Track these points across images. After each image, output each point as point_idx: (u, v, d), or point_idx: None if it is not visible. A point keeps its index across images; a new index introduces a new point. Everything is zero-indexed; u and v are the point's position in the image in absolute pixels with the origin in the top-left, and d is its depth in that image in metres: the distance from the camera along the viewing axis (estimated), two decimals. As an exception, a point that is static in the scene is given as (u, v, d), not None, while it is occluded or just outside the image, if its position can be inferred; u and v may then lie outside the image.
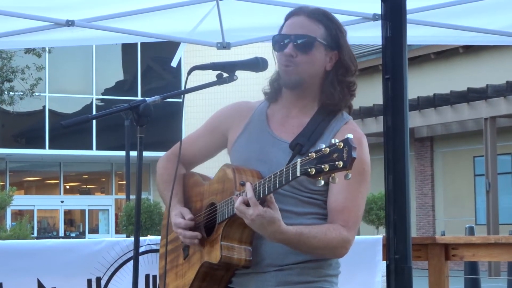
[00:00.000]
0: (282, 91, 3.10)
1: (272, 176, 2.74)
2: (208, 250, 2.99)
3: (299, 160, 2.64)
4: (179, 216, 3.11)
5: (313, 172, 2.58)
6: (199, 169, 3.32)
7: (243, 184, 2.90)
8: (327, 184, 2.89)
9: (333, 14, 3.13)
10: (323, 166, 2.56)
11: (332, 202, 2.95)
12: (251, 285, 3.00)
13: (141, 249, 4.38)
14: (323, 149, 2.57)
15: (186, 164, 3.29)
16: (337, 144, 2.55)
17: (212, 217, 3.04)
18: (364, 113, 24.81)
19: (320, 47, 3.02)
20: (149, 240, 4.46)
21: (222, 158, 3.21)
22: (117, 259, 4.39)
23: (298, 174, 2.62)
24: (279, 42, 3.04)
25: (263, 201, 2.79)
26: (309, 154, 2.60)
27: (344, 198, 2.93)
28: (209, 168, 3.31)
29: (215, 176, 3.10)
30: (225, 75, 3.03)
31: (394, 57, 3.72)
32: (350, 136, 2.57)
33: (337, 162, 2.54)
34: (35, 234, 30.78)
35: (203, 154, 3.29)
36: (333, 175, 2.57)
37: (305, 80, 3.02)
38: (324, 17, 3.05)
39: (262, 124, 3.11)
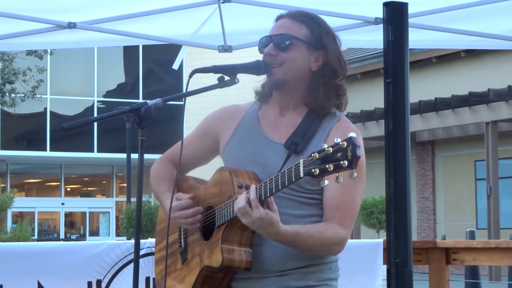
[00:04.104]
0: (272, 92, 3.10)
1: (274, 178, 2.74)
2: (208, 254, 2.98)
3: (301, 160, 2.63)
4: (175, 200, 3.08)
5: (317, 172, 2.58)
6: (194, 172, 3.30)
7: (241, 187, 2.89)
8: None
9: (335, 17, 3.13)
10: (327, 166, 2.56)
11: (329, 199, 2.95)
12: None
13: (142, 252, 4.38)
14: (326, 149, 2.58)
15: (179, 169, 3.24)
16: (340, 143, 2.56)
17: (210, 220, 3.03)
18: (365, 117, 24.81)
19: (300, 45, 3.02)
20: (150, 242, 4.46)
21: (219, 161, 3.21)
22: (118, 262, 4.39)
23: (302, 175, 2.62)
24: (262, 45, 3.07)
25: (263, 203, 2.78)
26: (312, 155, 2.60)
27: (340, 195, 2.93)
28: (205, 171, 3.29)
29: (211, 179, 3.09)
30: (226, 78, 3.03)
31: (396, 61, 3.72)
32: (353, 135, 2.57)
33: (341, 162, 2.54)
34: (36, 236, 30.78)
35: (197, 159, 3.26)
36: (337, 174, 2.57)
37: (288, 80, 3.02)
38: (307, 18, 3.06)
39: (253, 126, 3.10)
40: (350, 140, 2.55)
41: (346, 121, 3.07)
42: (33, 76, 25.36)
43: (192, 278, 3.04)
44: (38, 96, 26.34)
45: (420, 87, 24.72)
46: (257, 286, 2.99)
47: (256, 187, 2.79)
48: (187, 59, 26.79)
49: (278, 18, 3.11)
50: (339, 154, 2.55)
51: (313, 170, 2.58)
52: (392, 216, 3.68)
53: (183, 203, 3.06)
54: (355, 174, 2.56)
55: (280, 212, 2.86)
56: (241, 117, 3.15)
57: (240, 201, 2.79)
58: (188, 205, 3.06)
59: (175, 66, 5.48)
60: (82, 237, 33.29)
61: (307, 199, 2.96)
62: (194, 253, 3.07)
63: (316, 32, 3.03)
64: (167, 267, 3.18)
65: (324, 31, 3.05)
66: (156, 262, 3.36)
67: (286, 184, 2.70)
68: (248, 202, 2.77)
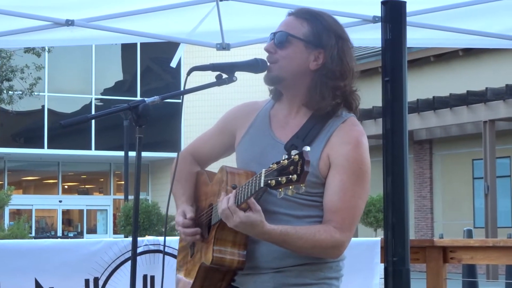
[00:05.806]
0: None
1: (246, 185, 2.76)
2: (205, 251, 3.01)
3: (263, 170, 2.64)
4: (181, 214, 3.12)
5: (273, 184, 2.58)
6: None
7: (234, 187, 2.90)
8: (323, 184, 2.90)
9: (333, 16, 3.11)
10: (280, 179, 2.57)
11: (328, 202, 2.92)
12: (249, 286, 3.00)
13: (139, 250, 4.38)
14: (281, 161, 2.58)
15: (200, 163, 3.31)
16: (293, 156, 2.55)
17: (210, 218, 3.05)
18: (363, 115, 24.81)
19: (298, 43, 2.98)
20: (147, 240, 4.46)
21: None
22: (115, 260, 4.39)
23: (262, 185, 2.63)
24: (268, 41, 3.06)
25: (244, 208, 2.79)
26: (271, 166, 2.61)
27: (339, 199, 2.90)
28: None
29: (215, 177, 3.11)
30: (224, 76, 3.03)
31: (394, 59, 3.73)
32: (307, 149, 2.56)
33: (291, 176, 2.54)
34: (33, 234, 30.74)
35: (216, 153, 3.29)
36: (291, 187, 2.56)
37: (284, 77, 3.00)
38: (310, 16, 3.02)
39: (264, 125, 3.10)
40: (301, 154, 2.54)
41: (353, 123, 2.99)
42: (30, 73, 25.33)
43: (194, 272, 3.06)
44: (35, 93, 26.32)
45: (418, 86, 24.74)
46: (255, 282, 2.99)
47: (237, 192, 2.80)
48: (185, 57, 26.77)
49: (287, 15, 3.09)
50: (291, 168, 2.55)
51: (269, 181, 2.59)
52: (390, 214, 3.69)
53: (181, 222, 3.10)
54: (303, 188, 2.56)
55: (280, 213, 2.89)
56: (255, 116, 3.14)
57: (222, 204, 2.81)
58: (188, 225, 3.09)
59: (173, 64, 5.48)
60: (79, 235, 33.27)
61: (307, 201, 2.93)
62: (198, 248, 3.11)
63: (316, 30, 2.98)
64: (164, 262, 3.19)
65: (326, 30, 2.99)
66: (178, 250, 3.41)
67: (253, 193, 2.72)
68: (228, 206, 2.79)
